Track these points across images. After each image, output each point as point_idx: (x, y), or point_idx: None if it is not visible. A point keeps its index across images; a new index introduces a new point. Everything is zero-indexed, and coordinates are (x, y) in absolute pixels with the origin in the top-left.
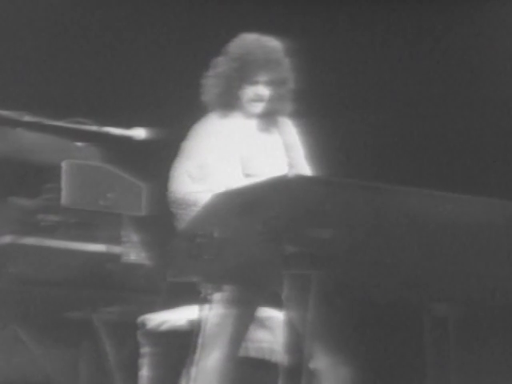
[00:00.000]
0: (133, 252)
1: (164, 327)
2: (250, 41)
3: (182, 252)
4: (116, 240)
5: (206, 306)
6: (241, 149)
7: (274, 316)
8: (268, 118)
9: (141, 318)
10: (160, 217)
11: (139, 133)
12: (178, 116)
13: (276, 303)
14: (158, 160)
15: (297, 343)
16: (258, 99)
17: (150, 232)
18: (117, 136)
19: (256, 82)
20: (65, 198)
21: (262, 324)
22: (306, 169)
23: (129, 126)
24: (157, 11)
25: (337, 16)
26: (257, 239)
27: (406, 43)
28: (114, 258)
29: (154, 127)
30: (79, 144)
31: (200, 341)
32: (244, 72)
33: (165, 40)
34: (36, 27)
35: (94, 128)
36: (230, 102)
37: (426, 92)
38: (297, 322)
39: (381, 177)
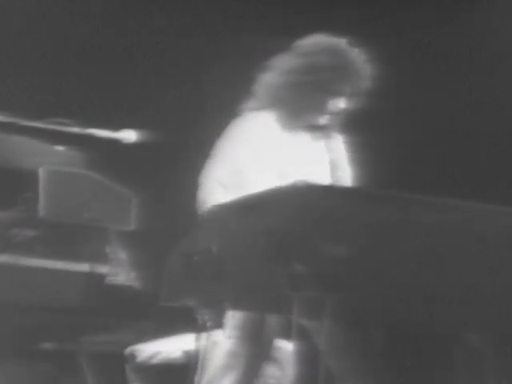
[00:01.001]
0: (120, 272)
1: (156, 360)
2: (338, 48)
3: (176, 272)
4: (101, 258)
5: (205, 335)
6: (280, 161)
7: (282, 347)
8: (320, 130)
9: (129, 349)
10: (152, 231)
11: (128, 135)
12: (172, 116)
13: (284, 332)
14: (150, 166)
15: (309, 379)
16: (337, 112)
17: (141, 249)
18: (103, 139)
19: (341, 94)
20: (43, 210)
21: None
22: None
23: (117, 127)
24: (146, 9)
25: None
26: (262, 256)
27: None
28: (99, 279)
29: (146, 129)
30: (59, 148)
31: (198, 378)
32: (332, 83)
33: (157, 36)
34: (13, 22)
35: (77, 129)
36: (300, 112)
37: (451, 101)
38: (309, 353)
39: (406, 186)
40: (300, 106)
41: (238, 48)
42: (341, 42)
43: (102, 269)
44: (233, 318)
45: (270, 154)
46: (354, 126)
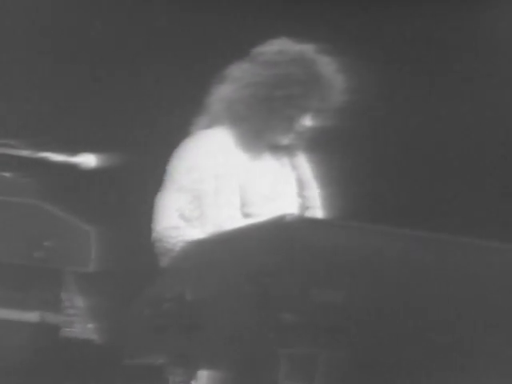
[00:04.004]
0: (77, 323)
1: None
2: (310, 59)
3: (143, 322)
4: (54, 306)
5: None
6: (241, 179)
7: None
8: (284, 148)
9: None
10: (114, 273)
11: (88, 160)
12: (138, 137)
13: None
14: (112, 196)
15: None
16: (301, 131)
17: (101, 295)
18: (57, 164)
19: (309, 110)
20: None
21: None
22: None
23: (74, 150)
24: (106, 24)
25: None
26: (244, 304)
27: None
28: (52, 331)
29: (108, 152)
30: (6, 175)
31: None
32: (304, 100)
33: (114, 53)
34: None
35: (26, 153)
36: (263, 130)
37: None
38: None
39: (415, 223)
40: (264, 123)
41: (192, 58)
42: (308, 49)
43: (55, 319)
44: (206, 377)
45: (230, 177)
46: (324, 143)
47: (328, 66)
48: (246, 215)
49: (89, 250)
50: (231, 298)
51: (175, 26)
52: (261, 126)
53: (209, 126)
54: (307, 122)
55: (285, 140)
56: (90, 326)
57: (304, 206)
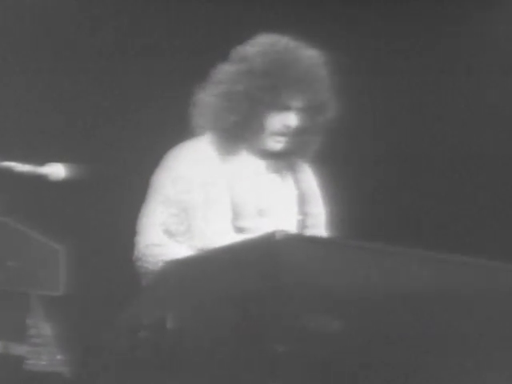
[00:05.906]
0: (44, 353)
1: None
2: (282, 48)
3: (117, 353)
4: (18, 334)
5: None
6: (233, 191)
7: None
8: (284, 158)
9: None
10: (86, 297)
11: (57, 170)
12: (115, 144)
13: None
14: (85, 210)
15: None
16: (286, 132)
17: (71, 321)
18: (24, 174)
19: (287, 108)
20: None
21: None
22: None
23: (42, 160)
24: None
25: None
26: (230, 332)
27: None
28: (16, 362)
29: (80, 161)
30: None
31: None
32: (274, 94)
33: (93, 55)
34: None
35: None
36: (237, 131)
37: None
38: None
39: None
40: (235, 123)
41: (175, 64)
42: (285, 40)
43: (19, 349)
44: None
45: (221, 186)
46: (323, 152)
47: (307, 58)
48: (239, 229)
49: (58, 271)
50: (216, 326)
51: (148, 38)
52: (232, 127)
53: (195, 133)
54: (288, 121)
55: (270, 143)
56: (58, 357)
57: (304, 225)
